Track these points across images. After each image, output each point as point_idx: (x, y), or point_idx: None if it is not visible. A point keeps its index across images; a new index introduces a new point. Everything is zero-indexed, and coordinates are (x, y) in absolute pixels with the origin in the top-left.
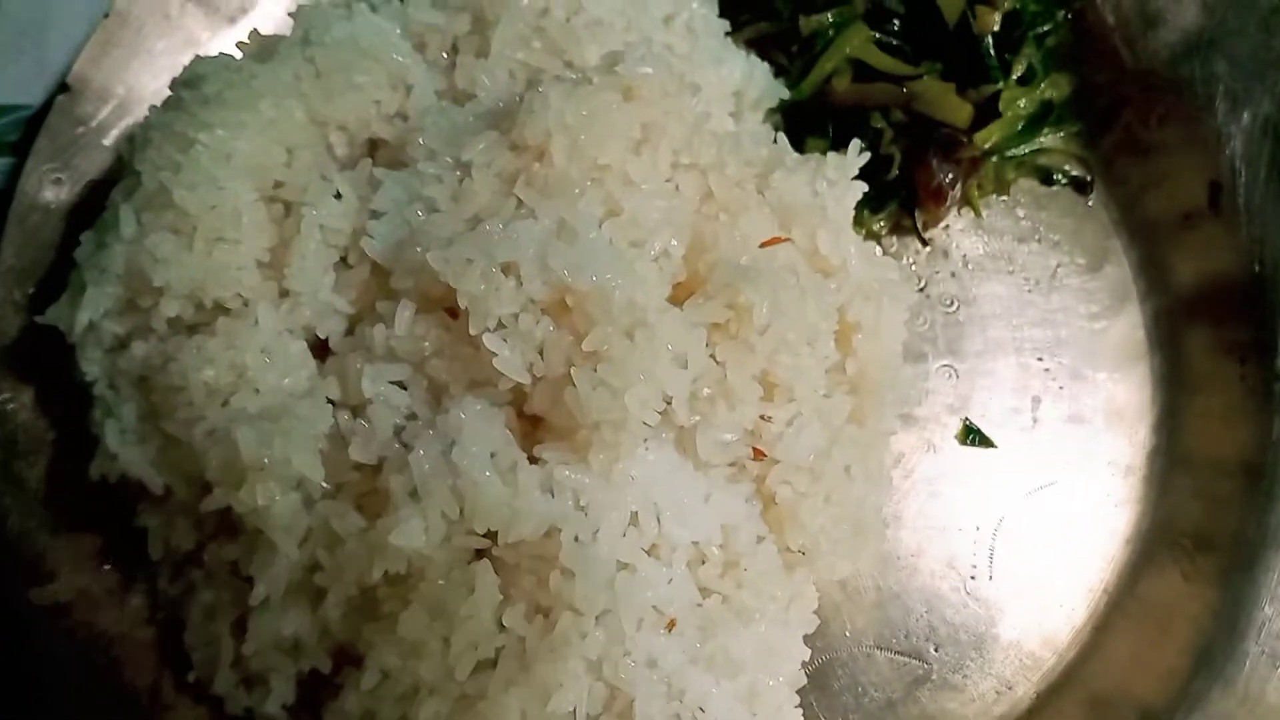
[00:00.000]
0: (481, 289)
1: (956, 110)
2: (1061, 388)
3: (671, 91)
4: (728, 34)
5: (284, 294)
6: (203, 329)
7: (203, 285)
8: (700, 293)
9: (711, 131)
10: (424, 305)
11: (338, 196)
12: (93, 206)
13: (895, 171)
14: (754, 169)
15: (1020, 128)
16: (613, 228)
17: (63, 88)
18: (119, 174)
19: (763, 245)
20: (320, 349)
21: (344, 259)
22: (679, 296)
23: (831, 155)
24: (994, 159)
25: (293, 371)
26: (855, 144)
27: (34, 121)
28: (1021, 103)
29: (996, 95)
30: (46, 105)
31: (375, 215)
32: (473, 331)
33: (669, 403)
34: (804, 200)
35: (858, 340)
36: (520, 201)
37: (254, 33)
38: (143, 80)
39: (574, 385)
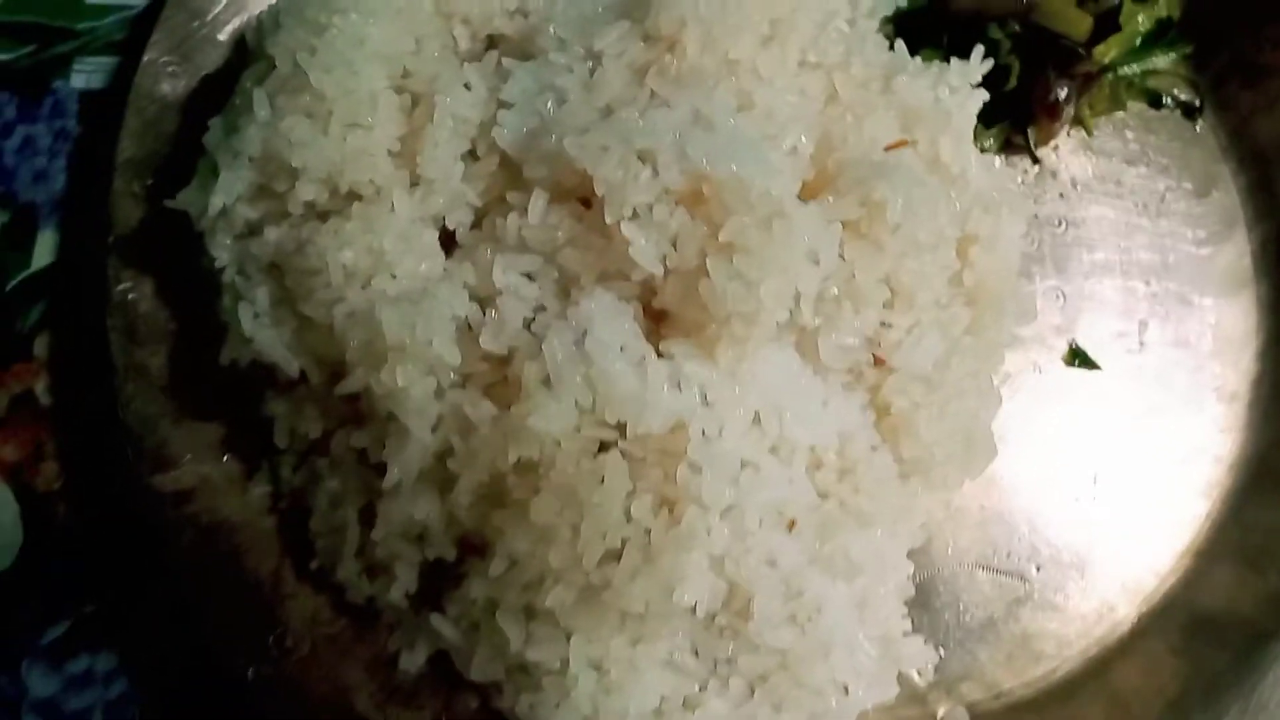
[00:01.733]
0: (619, 176)
1: (1076, 23)
2: (1167, 313)
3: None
4: None
5: (415, 183)
6: (336, 215)
7: (339, 170)
8: (831, 189)
9: (838, 29)
10: (556, 195)
11: (467, 87)
12: (209, 100)
13: (1013, 82)
14: (877, 72)
15: (1138, 44)
16: (746, 121)
17: None
18: (235, 67)
19: (887, 149)
20: (446, 241)
21: (472, 151)
22: (806, 195)
23: (954, 62)
24: (1109, 76)
25: (428, 258)
26: (979, 50)
27: (139, 21)
28: (1140, 18)
29: (1116, 9)
30: (153, 5)
31: (504, 106)
32: (609, 219)
33: (797, 300)
34: (927, 105)
35: (975, 252)
36: (653, 93)
37: None
38: None
39: (708, 277)
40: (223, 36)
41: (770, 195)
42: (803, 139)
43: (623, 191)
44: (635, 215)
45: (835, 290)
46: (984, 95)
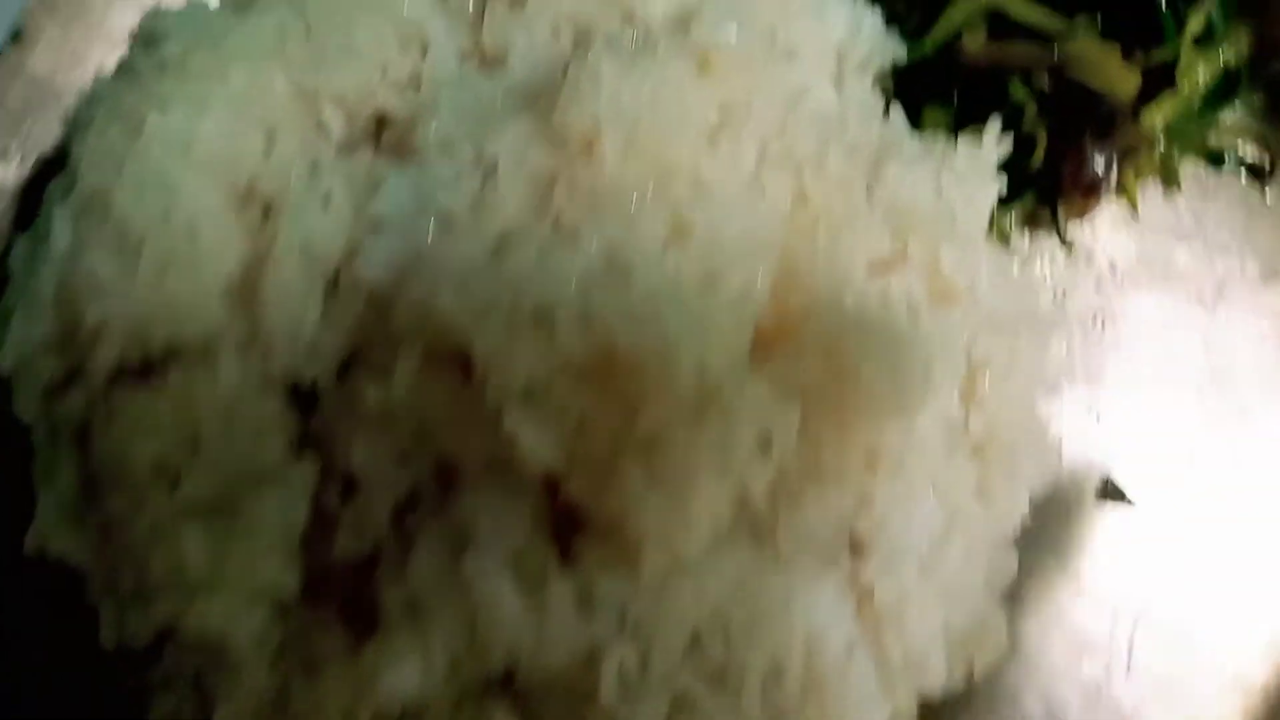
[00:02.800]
0: (503, 344)
1: (1120, 79)
2: (1224, 430)
3: (759, 59)
4: None
5: (255, 332)
6: (151, 381)
7: (149, 323)
8: (792, 344)
9: (811, 112)
10: (433, 356)
11: (328, 200)
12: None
13: (1039, 157)
14: (862, 158)
15: (1198, 105)
16: (680, 255)
17: (13, 36)
18: None
19: (871, 267)
20: (302, 401)
21: (336, 282)
22: (762, 344)
23: (962, 143)
24: (1161, 142)
25: (264, 438)
26: (994, 126)
27: None
28: (1200, 70)
29: (1170, 63)
30: None
31: (374, 228)
32: (490, 404)
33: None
34: (926, 203)
35: (985, 387)
36: (559, 218)
37: None
38: (113, 22)
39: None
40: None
41: (704, 369)
42: (758, 272)
43: (509, 365)
44: (527, 396)
45: (796, 471)
46: (1000, 184)
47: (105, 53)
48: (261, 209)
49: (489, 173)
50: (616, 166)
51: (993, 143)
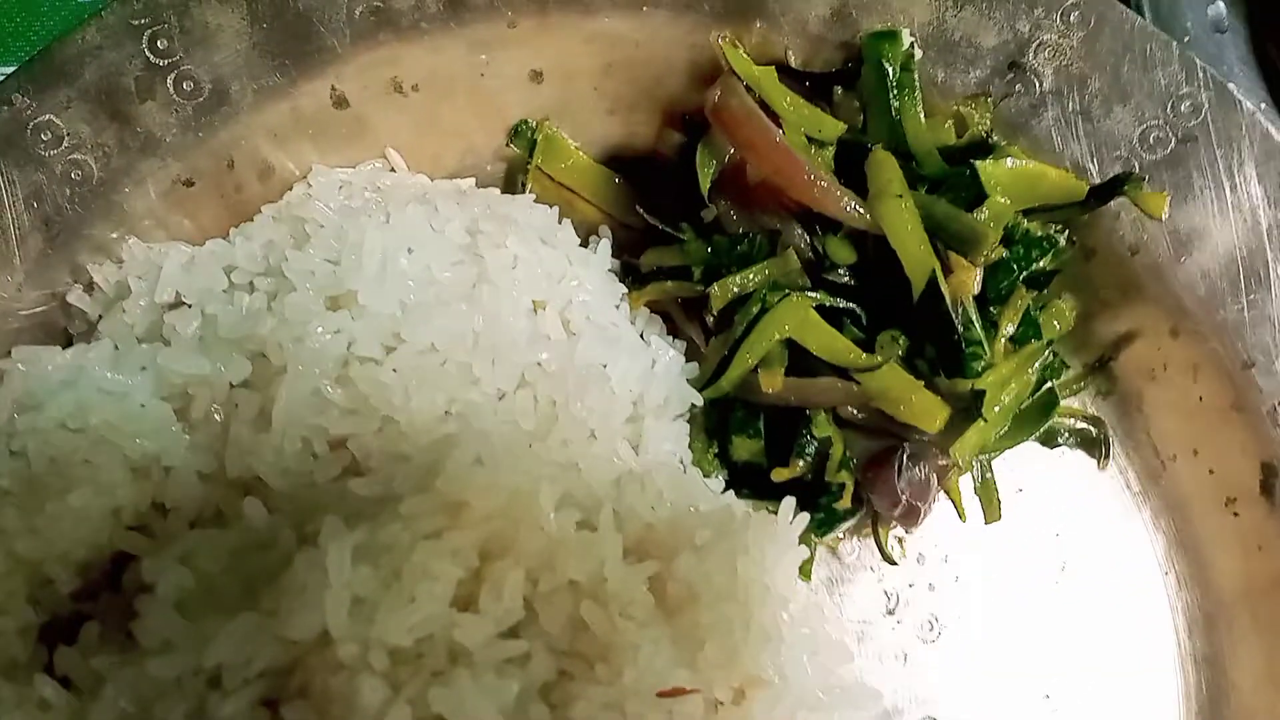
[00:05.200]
0: None
1: (926, 413)
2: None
3: (526, 487)
4: (624, 297)
5: None
6: None
7: None
8: None
9: (584, 533)
10: None
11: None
12: None
13: (846, 503)
14: (655, 539)
15: (1009, 426)
16: None
17: None
18: None
19: (661, 695)
20: None
21: None
22: None
23: (755, 522)
24: (977, 470)
25: None
26: (788, 505)
27: None
28: (1011, 390)
29: (978, 393)
30: None
31: None
32: None
33: None
34: (720, 601)
35: None
36: None
37: None
38: None
39: None
40: None
41: None
42: None
43: None
44: None
45: None
46: (802, 554)
47: None
48: None
49: (212, 680)
50: (351, 660)
51: (787, 518)
